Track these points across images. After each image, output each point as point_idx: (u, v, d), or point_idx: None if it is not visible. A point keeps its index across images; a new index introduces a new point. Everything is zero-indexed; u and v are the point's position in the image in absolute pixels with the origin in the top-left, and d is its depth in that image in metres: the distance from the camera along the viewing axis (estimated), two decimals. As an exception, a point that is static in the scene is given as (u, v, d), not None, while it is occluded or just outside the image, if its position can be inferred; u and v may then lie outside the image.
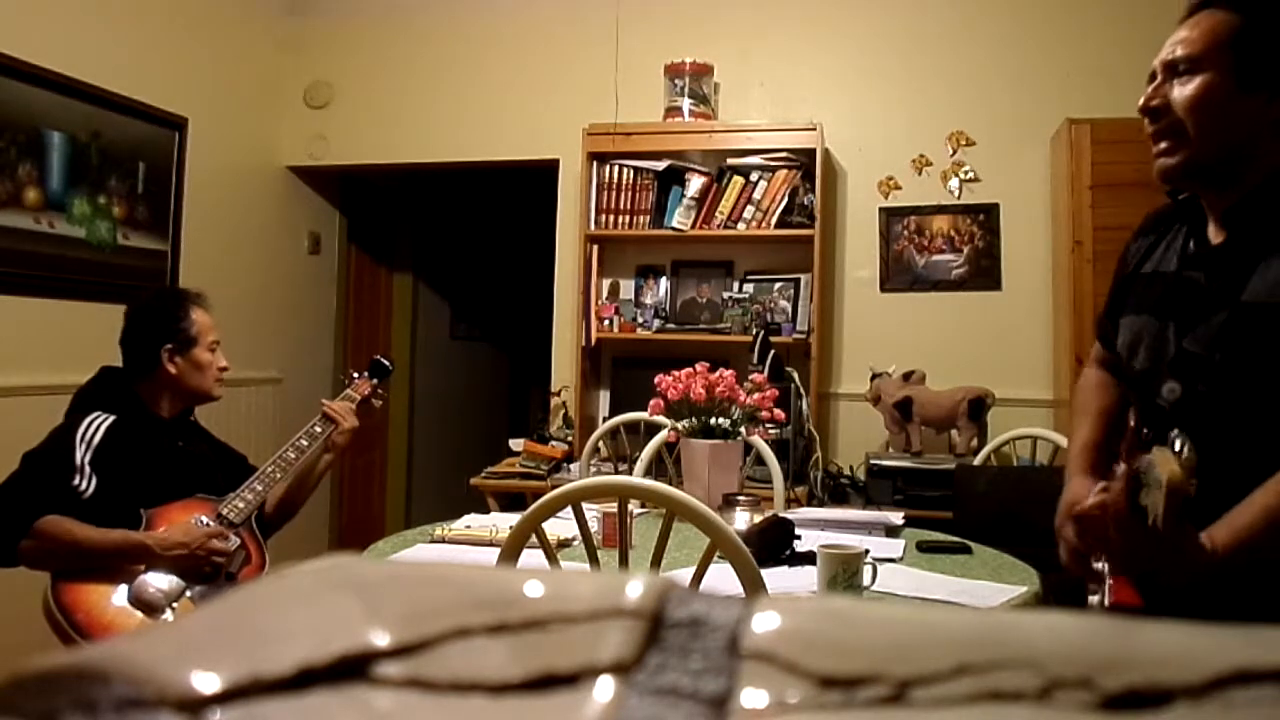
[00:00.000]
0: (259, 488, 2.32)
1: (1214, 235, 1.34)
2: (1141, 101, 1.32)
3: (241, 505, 2.28)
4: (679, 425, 2.46)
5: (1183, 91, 1.27)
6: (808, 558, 1.86)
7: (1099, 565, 1.28)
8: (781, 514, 2.27)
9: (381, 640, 0.26)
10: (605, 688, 0.25)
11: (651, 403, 2.49)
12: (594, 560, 1.66)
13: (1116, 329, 1.46)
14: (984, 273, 3.82)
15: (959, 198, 3.85)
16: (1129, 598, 1.15)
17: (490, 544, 2.04)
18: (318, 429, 2.43)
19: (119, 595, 2.07)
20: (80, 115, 3.35)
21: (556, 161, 4.19)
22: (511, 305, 6.17)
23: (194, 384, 2.31)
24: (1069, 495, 1.41)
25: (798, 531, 2.03)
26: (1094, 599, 1.22)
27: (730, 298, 3.89)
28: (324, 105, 4.45)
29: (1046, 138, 3.72)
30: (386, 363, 2.65)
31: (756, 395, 2.44)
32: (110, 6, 3.52)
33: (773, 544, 1.95)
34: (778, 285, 3.92)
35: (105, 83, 3.42)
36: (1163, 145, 1.30)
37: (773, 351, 3.24)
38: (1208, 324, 1.27)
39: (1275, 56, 1.24)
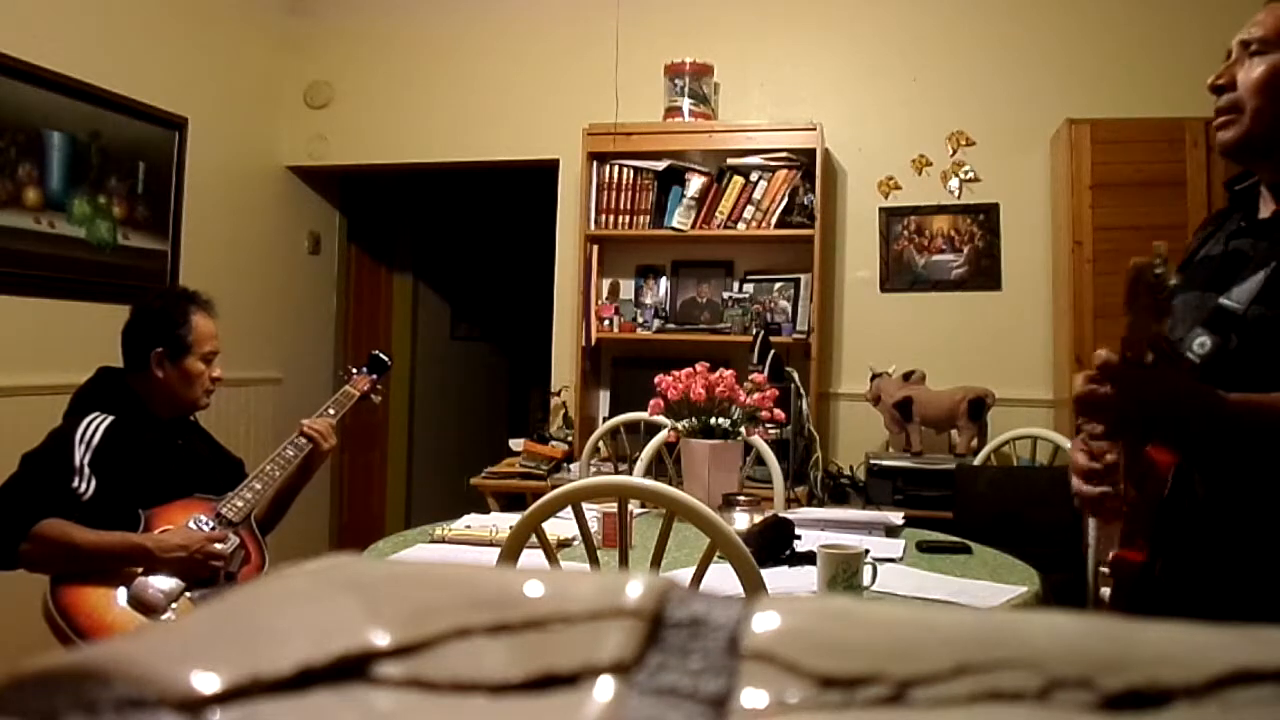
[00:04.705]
0: (258, 486, 2.32)
1: (1265, 213, 1.38)
2: (1211, 79, 1.37)
3: (240, 504, 2.27)
4: (679, 425, 2.46)
5: (1250, 72, 1.33)
6: (808, 558, 1.86)
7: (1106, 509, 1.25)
8: (781, 514, 2.27)
9: (381, 640, 0.26)
10: (605, 688, 0.25)
11: (651, 403, 2.49)
12: (594, 560, 1.66)
13: None
14: (984, 273, 3.82)
15: (959, 198, 3.85)
16: (1133, 555, 1.14)
17: (490, 544, 2.04)
18: (302, 440, 2.42)
19: (119, 597, 2.07)
20: (80, 115, 3.35)
21: (556, 161, 4.19)
22: (511, 305, 6.16)
23: (179, 392, 2.29)
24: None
25: (798, 531, 2.03)
26: (1104, 568, 1.20)
27: (730, 298, 3.89)
28: (324, 105, 4.45)
29: (1046, 138, 3.72)
30: (385, 358, 2.65)
31: (756, 395, 2.44)
32: (110, 6, 3.51)
33: (773, 544, 1.95)
34: (778, 285, 3.92)
35: (105, 83, 3.42)
36: (1223, 119, 1.36)
37: (773, 351, 3.24)
38: (1249, 282, 1.29)
39: None
